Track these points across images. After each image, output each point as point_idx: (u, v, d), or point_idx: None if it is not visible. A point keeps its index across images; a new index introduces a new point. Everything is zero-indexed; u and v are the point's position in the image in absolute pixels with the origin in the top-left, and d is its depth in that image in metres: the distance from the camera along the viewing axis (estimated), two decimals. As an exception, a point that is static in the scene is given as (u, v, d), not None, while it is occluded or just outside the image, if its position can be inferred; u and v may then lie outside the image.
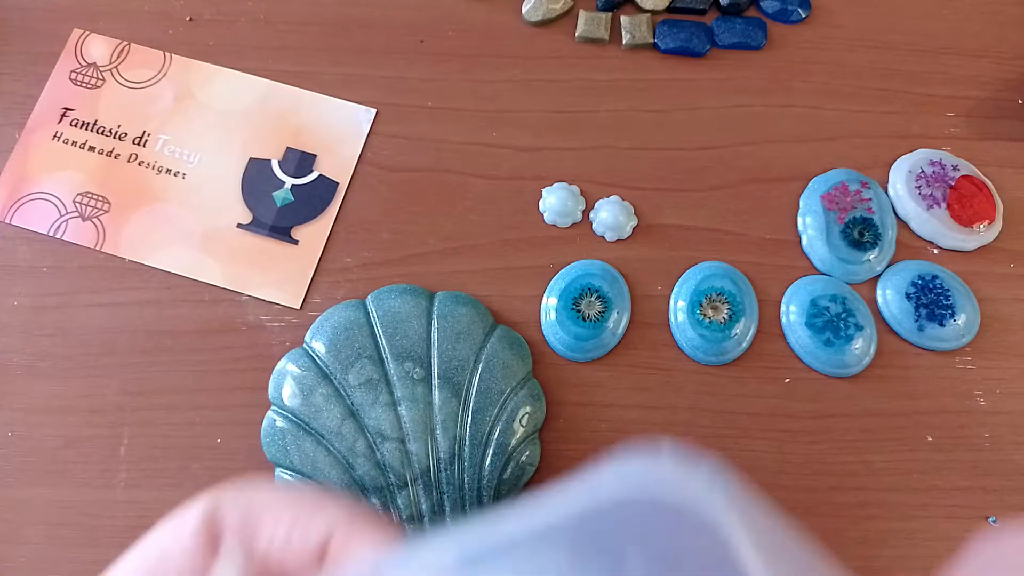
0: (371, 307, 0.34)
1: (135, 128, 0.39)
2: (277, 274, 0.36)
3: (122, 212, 0.37)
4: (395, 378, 0.33)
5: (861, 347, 0.34)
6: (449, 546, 0.12)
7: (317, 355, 0.34)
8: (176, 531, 0.15)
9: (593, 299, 0.35)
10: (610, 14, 0.40)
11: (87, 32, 0.40)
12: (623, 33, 0.40)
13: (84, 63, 0.40)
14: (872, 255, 0.36)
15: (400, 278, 0.36)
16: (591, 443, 0.34)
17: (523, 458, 0.33)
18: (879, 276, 0.36)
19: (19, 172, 0.38)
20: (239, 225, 0.37)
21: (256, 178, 0.38)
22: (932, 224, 0.36)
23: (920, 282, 0.35)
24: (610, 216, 0.36)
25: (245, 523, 0.15)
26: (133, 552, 0.15)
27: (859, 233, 0.36)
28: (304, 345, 0.34)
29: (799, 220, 0.37)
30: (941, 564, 0.32)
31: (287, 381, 0.33)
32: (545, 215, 0.37)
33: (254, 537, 0.15)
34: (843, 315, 0.35)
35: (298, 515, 0.16)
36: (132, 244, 0.37)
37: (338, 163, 0.38)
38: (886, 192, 0.37)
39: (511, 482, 0.32)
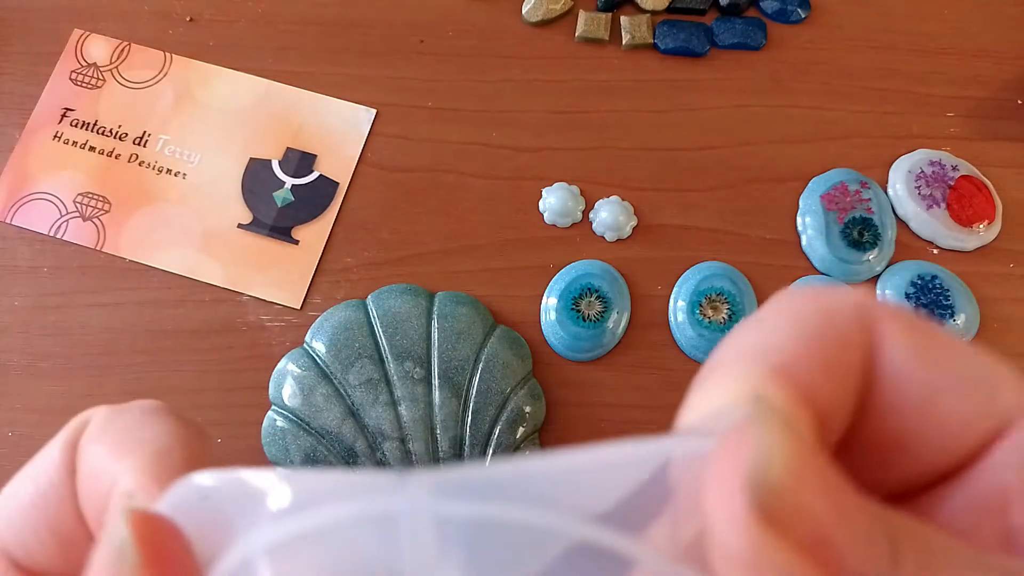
0: (371, 307, 0.35)
1: (135, 128, 0.39)
2: (277, 274, 0.36)
3: (122, 212, 0.37)
4: (395, 378, 0.33)
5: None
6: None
7: (317, 355, 0.34)
8: (42, 463, 0.13)
9: (593, 299, 0.35)
10: (610, 14, 0.40)
11: (87, 32, 0.40)
12: (623, 33, 0.40)
13: (84, 63, 0.40)
14: (872, 255, 0.36)
15: (400, 278, 0.36)
16: (591, 443, 0.34)
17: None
18: (879, 276, 0.36)
19: (19, 172, 0.38)
20: (239, 225, 0.37)
21: (256, 178, 0.38)
22: (932, 224, 0.36)
23: (920, 282, 0.35)
24: (610, 216, 0.36)
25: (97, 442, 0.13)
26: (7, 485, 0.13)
27: (859, 233, 0.36)
28: (304, 345, 0.34)
29: (799, 220, 0.37)
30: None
31: (287, 381, 0.33)
32: (545, 215, 0.37)
33: (77, 470, 0.13)
34: (843, 315, 0.35)
35: (109, 444, 0.13)
36: (132, 244, 0.37)
37: (338, 163, 0.38)
38: (886, 192, 0.37)
39: (511, 482, 0.32)
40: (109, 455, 0.13)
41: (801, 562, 0.08)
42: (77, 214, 0.37)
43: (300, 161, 0.38)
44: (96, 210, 0.37)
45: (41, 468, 0.13)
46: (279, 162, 0.38)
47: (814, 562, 0.08)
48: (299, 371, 0.33)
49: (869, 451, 0.12)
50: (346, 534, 0.09)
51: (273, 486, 0.09)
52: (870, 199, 0.37)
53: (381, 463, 0.32)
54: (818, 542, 0.09)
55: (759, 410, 0.09)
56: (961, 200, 0.37)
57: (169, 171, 0.38)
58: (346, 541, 0.09)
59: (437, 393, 0.33)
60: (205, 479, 0.10)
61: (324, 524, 0.09)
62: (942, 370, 0.11)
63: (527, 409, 0.33)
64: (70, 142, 0.38)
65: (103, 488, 0.12)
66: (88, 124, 0.39)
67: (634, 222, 0.37)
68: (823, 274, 0.36)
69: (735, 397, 0.10)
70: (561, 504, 0.09)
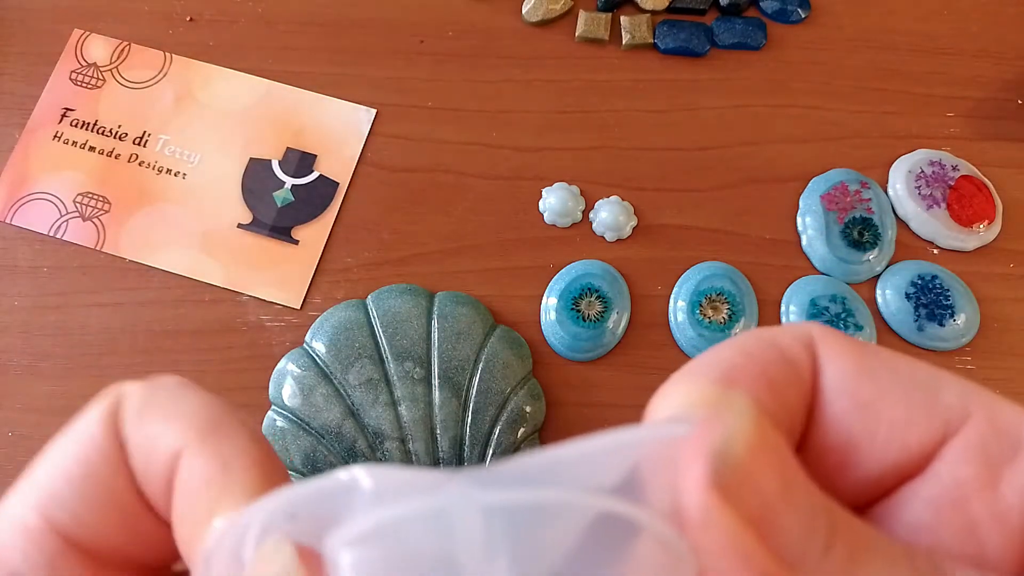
0: (371, 307, 0.35)
1: (135, 128, 0.39)
2: (277, 274, 0.36)
3: (122, 212, 0.37)
4: (395, 378, 0.33)
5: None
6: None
7: (317, 355, 0.34)
8: (84, 437, 0.13)
9: (593, 299, 0.35)
10: (610, 14, 0.40)
11: (87, 32, 0.40)
12: (623, 33, 0.40)
13: (84, 63, 0.40)
14: (872, 255, 0.36)
15: (400, 278, 0.36)
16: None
17: (523, 458, 0.33)
18: (879, 276, 0.36)
19: (19, 172, 0.38)
20: (239, 225, 0.37)
21: (256, 178, 0.38)
22: (932, 224, 0.36)
23: (920, 282, 0.35)
24: (610, 216, 0.36)
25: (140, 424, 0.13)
26: (36, 470, 0.13)
27: (859, 233, 0.36)
28: (304, 345, 0.34)
29: (799, 220, 0.37)
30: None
31: (287, 381, 0.33)
32: (545, 215, 0.37)
33: (125, 444, 0.13)
34: (843, 315, 0.35)
35: (158, 417, 0.13)
36: (132, 244, 0.37)
37: (338, 163, 0.38)
38: (886, 192, 0.37)
39: (511, 482, 0.32)
40: (163, 425, 0.13)
41: (743, 531, 0.10)
42: (77, 214, 0.37)
43: (300, 161, 0.38)
44: (96, 210, 0.37)
45: (83, 444, 0.13)
46: (279, 162, 0.38)
47: (755, 533, 0.10)
48: (299, 371, 0.33)
49: (825, 461, 0.13)
50: (407, 531, 0.10)
51: (350, 489, 0.10)
52: (870, 199, 0.37)
53: (381, 464, 0.32)
54: (762, 517, 0.10)
55: (733, 399, 0.11)
56: (961, 200, 0.37)
57: (169, 171, 0.38)
58: (407, 537, 0.10)
59: (437, 393, 0.33)
60: (288, 496, 0.11)
61: (389, 522, 0.10)
62: (881, 379, 0.12)
63: (527, 409, 0.33)
64: (70, 142, 0.38)
65: (162, 458, 0.13)
66: (88, 124, 0.39)
67: (634, 222, 0.37)
68: (823, 274, 0.36)
69: (688, 402, 0.12)
70: (581, 483, 0.10)
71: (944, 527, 0.12)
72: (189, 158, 0.38)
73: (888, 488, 0.13)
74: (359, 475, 0.10)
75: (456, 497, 0.10)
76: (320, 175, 0.38)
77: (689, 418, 0.11)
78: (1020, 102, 0.39)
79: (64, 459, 0.13)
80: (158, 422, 0.13)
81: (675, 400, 0.12)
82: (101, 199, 0.37)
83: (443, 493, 0.10)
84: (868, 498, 0.13)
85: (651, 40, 0.40)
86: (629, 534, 0.10)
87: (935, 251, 0.37)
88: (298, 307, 0.36)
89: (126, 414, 0.13)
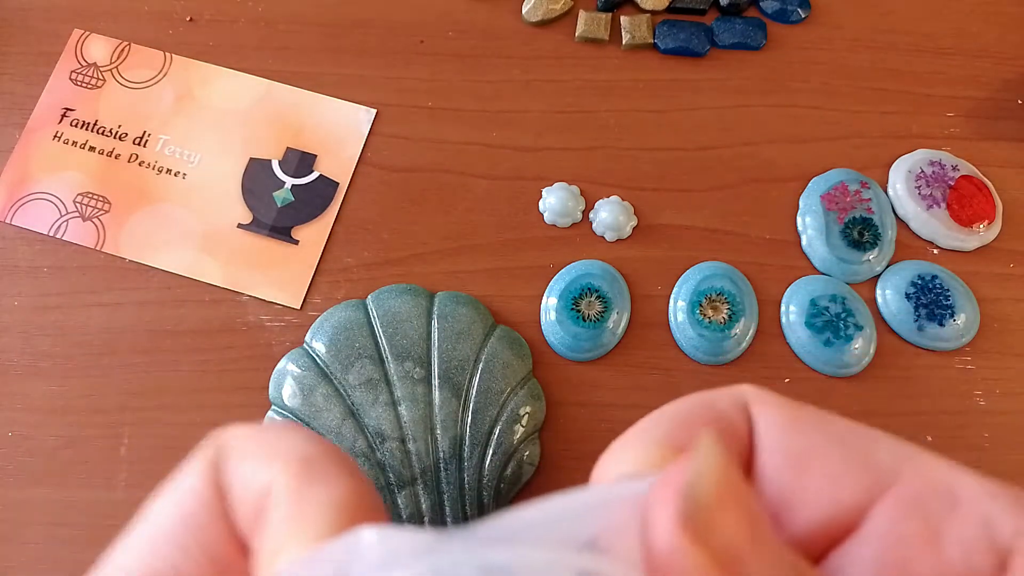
0: (371, 307, 0.35)
1: (135, 128, 0.39)
2: (277, 274, 0.36)
3: (122, 212, 0.37)
4: (395, 378, 0.33)
5: (861, 347, 0.34)
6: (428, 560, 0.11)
7: (317, 355, 0.34)
8: (185, 487, 0.14)
9: (593, 299, 0.35)
10: (610, 14, 0.40)
11: (87, 32, 0.40)
12: (623, 33, 0.40)
13: (84, 63, 0.40)
14: (872, 255, 0.36)
15: (400, 278, 0.36)
16: (591, 443, 0.34)
17: (523, 458, 0.33)
18: (879, 276, 0.36)
19: (19, 172, 0.38)
20: (239, 225, 0.37)
21: (256, 178, 0.38)
22: (932, 224, 0.36)
23: (920, 282, 0.35)
24: (610, 216, 0.36)
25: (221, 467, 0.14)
26: (142, 522, 0.14)
27: (859, 233, 0.36)
28: (304, 345, 0.34)
29: (799, 220, 0.37)
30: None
31: (287, 381, 0.33)
32: (545, 215, 0.37)
33: (227, 489, 0.13)
34: (843, 315, 0.35)
35: (257, 456, 0.13)
36: (132, 244, 0.37)
37: (338, 163, 0.38)
38: (886, 192, 0.37)
39: (511, 481, 0.32)
40: (259, 464, 0.13)
41: (712, 570, 0.10)
42: (77, 214, 0.37)
43: (300, 161, 0.38)
44: (96, 210, 0.37)
45: (183, 493, 0.13)
46: (279, 162, 0.38)
47: (721, 571, 0.10)
48: (299, 371, 0.33)
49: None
50: None
51: (360, 549, 0.11)
52: (870, 199, 0.37)
53: (381, 463, 0.32)
54: (731, 557, 0.10)
55: (702, 443, 0.11)
56: (961, 200, 0.37)
57: (169, 171, 0.38)
58: None
59: (437, 393, 0.33)
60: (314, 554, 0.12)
61: None
62: (812, 435, 0.13)
63: (527, 409, 0.33)
64: (70, 142, 0.38)
65: (253, 496, 0.13)
66: (88, 124, 0.39)
67: (634, 222, 0.37)
68: (823, 274, 0.36)
69: (638, 463, 0.12)
70: (557, 539, 0.11)
71: None
72: (189, 158, 0.38)
73: (822, 546, 0.13)
74: (366, 537, 0.11)
75: (453, 556, 0.11)
76: (320, 175, 0.38)
77: (643, 476, 0.11)
78: (1020, 102, 0.39)
79: (167, 510, 0.14)
80: (256, 462, 0.13)
81: (625, 461, 0.12)
82: (101, 199, 0.37)
83: (442, 554, 0.11)
84: (807, 556, 0.13)
85: (651, 40, 0.40)
86: None
87: (935, 251, 0.37)
88: (298, 307, 0.36)
89: (227, 460, 0.14)
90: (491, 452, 0.32)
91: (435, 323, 0.34)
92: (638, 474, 0.12)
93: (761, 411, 0.13)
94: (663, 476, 0.11)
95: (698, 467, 0.10)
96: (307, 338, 0.34)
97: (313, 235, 0.37)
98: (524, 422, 0.33)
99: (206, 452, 0.14)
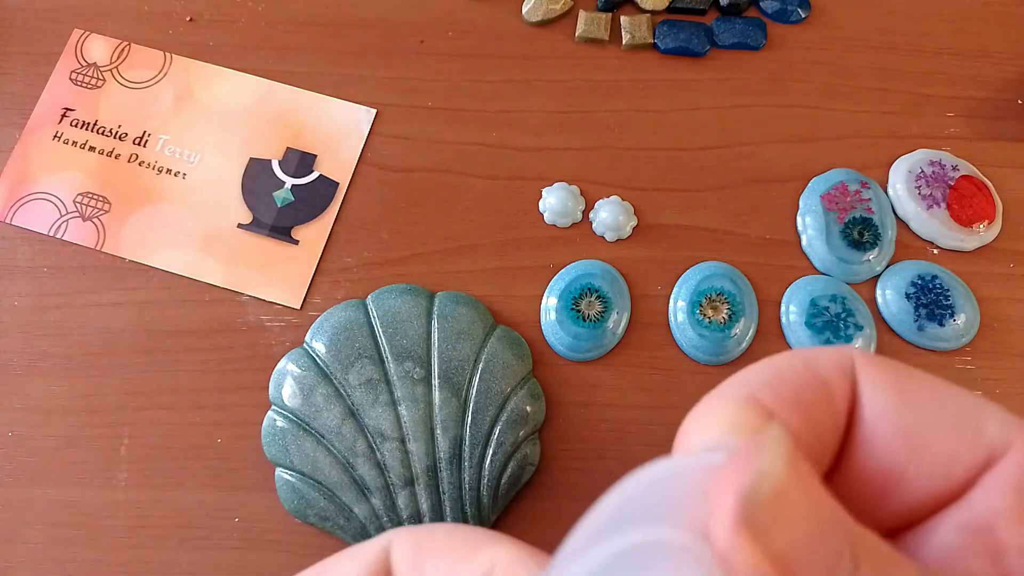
0: (371, 307, 0.35)
1: (135, 128, 0.39)
2: (277, 274, 0.36)
3: (122, 212, 0.37)
4: (395, 378, 0.33)
5: (861, 347, 0.34)
6: None
7: (317, 355, 0.34)
8: (353, 569, 0.16)
9: (593, 299, 0.35)
10: (610, 14, 0.40)
11: (87, 32, 0.40)
12: (623, 33, 0.40)
13: (84, 63, 0.40)
14: (872, 255, 0.36)
15: (400, 278, 0.36)
16: (591, 443, 0.34)
17: (523, 458, 0.33)
18: (879, 276, 0.36)
19: (19, 172, 0.38)
20: (239, 225, 0.37)
21: (256, 178, 0.38)
22: (932, 224, 0.36)
23: (920, 282, 0.35)
24: (610, 216, 0.36)
25: (414, 560, 0.16)
26: None
27: (859, 233, 0.36)
28: (304, 345, 0.34)
29: (799, 220, 0.37)
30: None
31: (287, 381, 0.33)
32: (545, 215, 0.37)
33: (422, 573, 0.15)
34: (843, 315, 0.35)
35: (463, 551, 0.15)
36: (132, 244, 0.37)
37: (338, 163, 0.38)
38: (886, 192, 0.37)
39: (511, 481, 0.32)
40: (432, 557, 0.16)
41: (767, 569, 0.10)
42: (77, 214, 0.37)
43: (300, 161, 0.38)
44: (96, 210, 0.37)
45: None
46: (279, 162, 0.38)
47: (779, 571, 0.10)
48: (299, 371, 0.33)
49: (865, 487, 0.13)
50: None
51: None
52: (870, 199, 0.37)
53: (381, 464, 0.32)
54: (788, 557, 0.10)
55: (767, 432, 0.11)
56: (961, 200, 0.37)
57: (169, 171, 0.38)
58: None
59: (437, 393, 0.33)
60: None
61: None
62: (925, 409, 0.12)
63: (527, 409, 0.33)
64: (70, 142, 0.38)
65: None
66: (88, 124, 0.39)
67: (634, 222, 0.37)
68: (823, 274, 0.36)
69: (721, 427, 0.12)
70: (643, 519, 0.11)
71: (971, 554, 0.12)
72: (189, 158, 0.38)
73: (925, 515, 0.13)
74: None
75: None
76: (320, 175, 0.38)
77: (724, 446, 0.11)
78: (1020, 102, 0.39)
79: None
80: (431, 558, 0.15)
81: (709, 423, 0.12)
82: (101, 199, 0.38)
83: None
84: (905, 522, 0.13)
85: (651, 40, 0.40)
86: (675, 554, 0.11)
87: (935, 251, 0.37)
88: (298, 307, 0.36)
89: (405, 564, 0.16)
90: (491, 452, 0.32)
91: (435, 323, 0.34)
92: (720, 443, 0.12)
93: (868, 379, 0.13)
94: (729, 465, 0.10)
95: (762, 466, 0.10)
96: (307, 338, 0.34)
97: (313, 235, 0.37)
98: (524, 422, 0.33)
99: (379, 542, 0.16)
